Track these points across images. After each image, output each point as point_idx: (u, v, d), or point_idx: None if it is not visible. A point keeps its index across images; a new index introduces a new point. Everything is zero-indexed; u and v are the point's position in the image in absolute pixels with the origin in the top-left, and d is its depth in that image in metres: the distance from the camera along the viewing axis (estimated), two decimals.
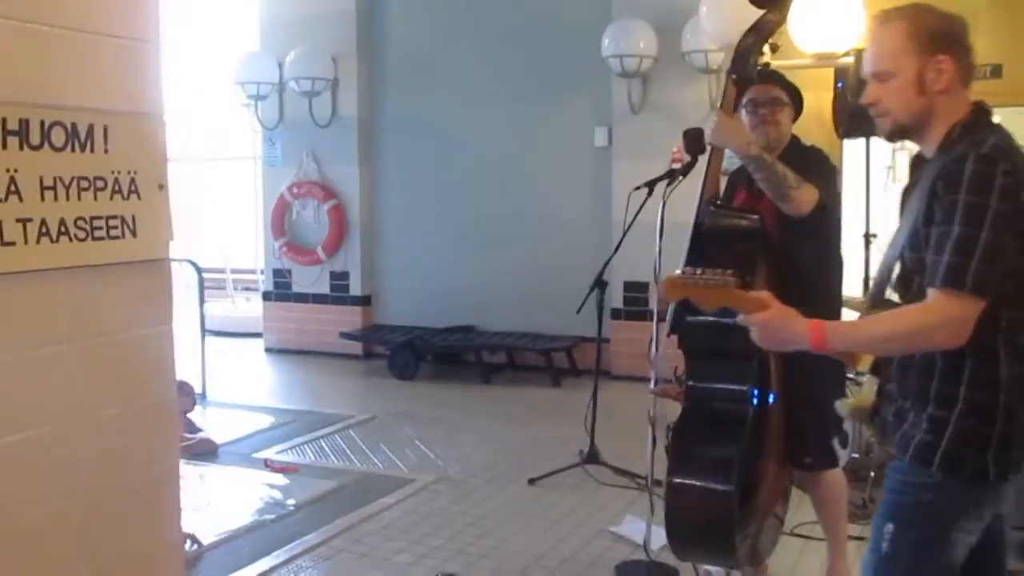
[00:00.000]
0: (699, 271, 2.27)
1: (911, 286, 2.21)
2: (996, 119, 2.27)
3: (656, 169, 4.32)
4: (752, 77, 3.49)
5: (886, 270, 2.29)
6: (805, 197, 3.35)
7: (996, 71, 7.70)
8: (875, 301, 2.31)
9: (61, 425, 2.20)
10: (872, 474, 5.05)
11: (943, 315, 2.04)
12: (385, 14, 9.36)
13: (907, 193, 2.29)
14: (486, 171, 8.93)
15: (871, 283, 2.33)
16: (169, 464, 2.46)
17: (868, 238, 6.95)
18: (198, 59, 12.08)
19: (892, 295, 2.31)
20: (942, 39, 2.19)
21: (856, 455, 5.33)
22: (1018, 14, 7.63)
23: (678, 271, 2.33)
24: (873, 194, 7.00)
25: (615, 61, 7.84)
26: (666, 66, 7.86)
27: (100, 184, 2.23)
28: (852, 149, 7.51)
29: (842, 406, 2.47)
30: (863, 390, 2.39)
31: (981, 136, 2.12)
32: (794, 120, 3.68)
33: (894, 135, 2.28)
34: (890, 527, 2.21)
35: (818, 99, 7.90)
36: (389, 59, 9.37)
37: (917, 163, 2.32)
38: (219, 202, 13.08)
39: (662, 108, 7.94)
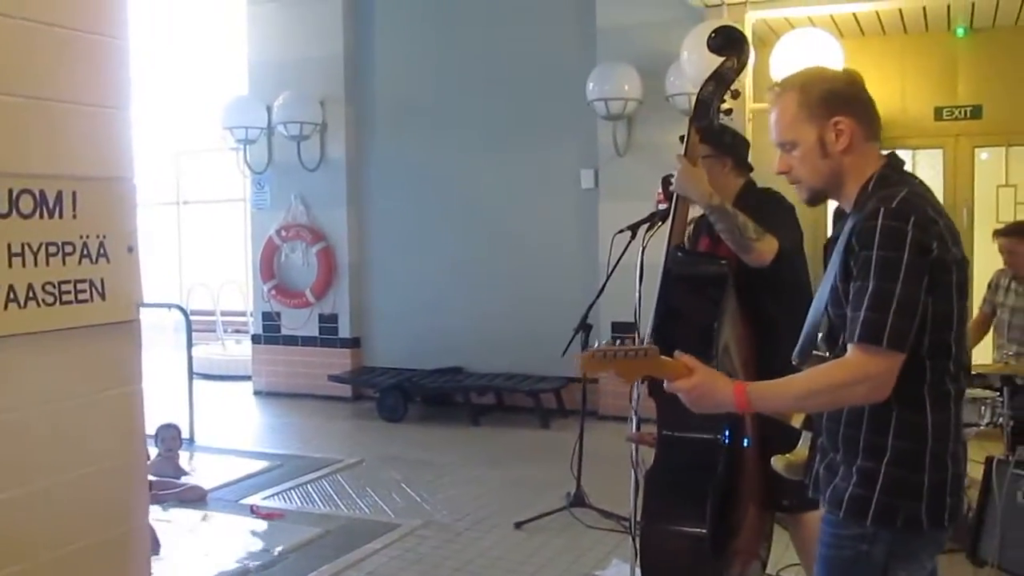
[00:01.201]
0: (618, 343, 2.25)
1: (838, 341, 2.21)
2: (908, 167, 2.31)
3: (642, 210, 4.35)
4: (714, 125, 3.53)
5: (812, 325, 2.30)
6: (766, 248, 3.37)
7: (976, 112, 7.82)
8: (803, 356, 2.31)
9: (31, 487, 2.22)
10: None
11: (861, 371, 2.06)
12: (372, 59, 9.46)
13: (828, 247, 2.31)
14: (474, 213, 8.99)
15: (801, 338, 2.35)
16: (138, 523, 2.47)
17: None
18: (188, 104, 12.21)
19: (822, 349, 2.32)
20: (834, 101, 2.22)
21: None
22: (997, 57, 7.74)
23: (595, 344, 2.31)
24: None
25: (600, 104, 7.93)
26: (650, 108, 7.94)
27: (68, 249, 2.27)
28: None
29: (776, 462, 2.45)
30: (798, 446, 2.40)
31: (892, 190, 2.14)
32: (737, 168, 3.71)
33: (812, 200, 2.33)
34: None
35: None
36: (376, 103, 9.46)
37: (838, 216, 2.35)
38: (209, 245, 13.16)
39: (647, 150, 8.01)
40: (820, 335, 2.28)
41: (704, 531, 3.18)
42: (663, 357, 2.25)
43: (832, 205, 2.40)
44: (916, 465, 2.12)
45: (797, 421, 2.41)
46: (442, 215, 9.13)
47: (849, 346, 2.09)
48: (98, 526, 2.37)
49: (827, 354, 2.25)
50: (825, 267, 2.30)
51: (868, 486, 2.13)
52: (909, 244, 2.04)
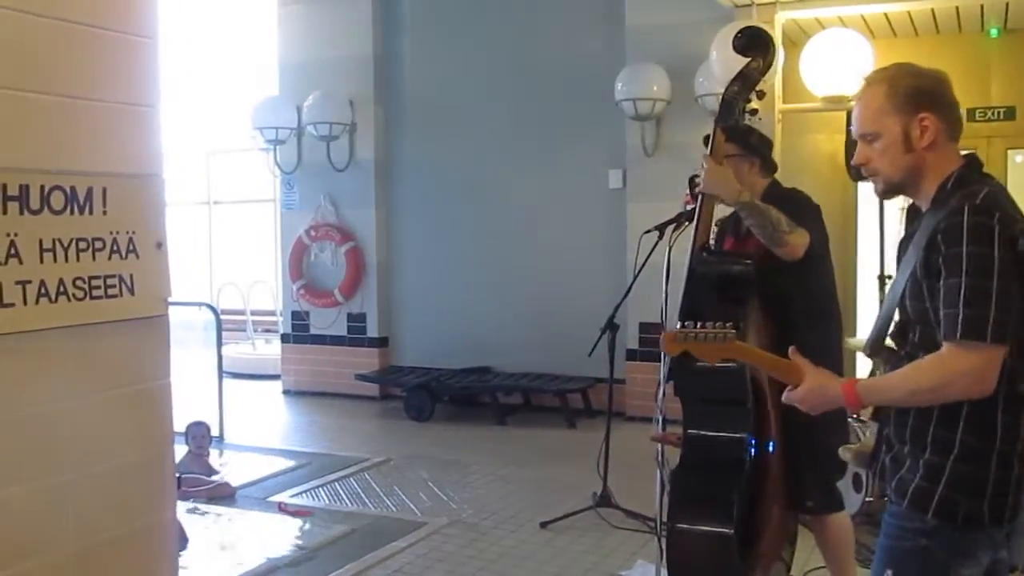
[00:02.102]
0: (699, 325, 2.31)
1: (908, 335, 2.25)
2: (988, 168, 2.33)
3: (670, 210, 4.36)
4: (739, 125, 3.53)
5: (886, 319, 2.33)
6: (799, 241, 3.39)
7: (1010, 113, 7.74)
8: (874, 349, 2.34)
9: (61, 478, 2.25)
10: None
11: (965, 366, 2.08)
12: (402, 59, 9.50)
13: (904, 244, 2.33)
14: (501, 213, 9.00)
15: (872, 331, 2.37)
16: (165, 516, 2.50)
17: (883, 280, 6.95)
18: (218, 104, 12.28)
19: (890, 342, 2.34)
20: (921, 97, 2.25)
21: (871, 499, 5.28)
22: None
23: (678, 325, 2.38)
24: (888, 236, 7.01)
25: (629, 104, 7.92)
26: (679, 109, 7.92)
27: (99, 244, 2.31)
28: (866, 191, 7.54)
29: (844, 451, 2.51)
30: (866, 435, 2.43)
31: (974, 188, 2.17)
32: (764, 169, 3.71)
33: (887, 193, 2.35)
34: (889, 573, 2.24)
35: (831, 142, 7.96)
36: (406, 103, 9.49)
37: (912, 214, 2.37)
38: (239, 244, 13.24)
39: (675, 150, 7.97)
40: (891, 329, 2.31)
41: (730, 531, 3.18)
42: (741, 343, 2.32)
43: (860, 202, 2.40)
44: (983, 463, 2.14)
45: (867, 411, 2.44)
46: (470, 215, 9.15)
47: (946, 343, 2.10)
48: (125, 518, 2.41)
49: (896, 348, 2.29)
50: (898, 264, 2.33)
51: (933, 479, 2.16)
52: (998, 239, 2.07)
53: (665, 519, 3.43)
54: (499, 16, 9.01)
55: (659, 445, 3.91)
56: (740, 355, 2.36)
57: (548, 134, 8.77)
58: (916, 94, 2.25)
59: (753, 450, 3.23)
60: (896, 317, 2.30)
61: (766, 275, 3.42)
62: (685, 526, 3.31)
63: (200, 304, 8.58)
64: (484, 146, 9.05)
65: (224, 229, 13.49)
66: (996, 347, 2.06)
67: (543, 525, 5.46)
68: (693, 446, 3.31)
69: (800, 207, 3.59)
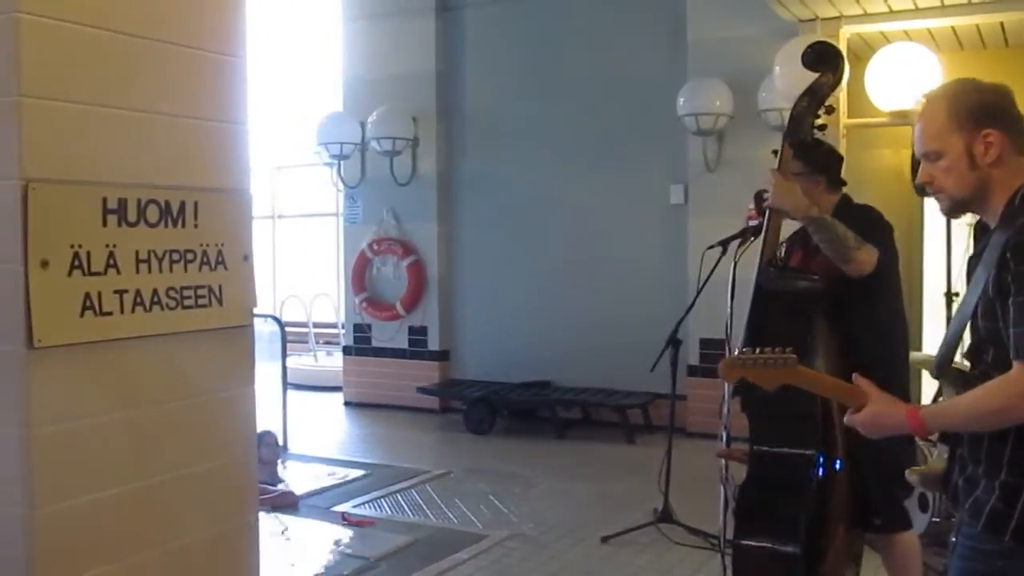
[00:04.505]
0: (758, 350, 2.27)
1: (983, 355, 2.21)
2: None
3: (732, 226, 4.34)
4: (807, 140, 3.52)
5: (953, 340, 2.29)
6: (867, 258, 3.36)
7: None
8: (941, 370, 2.30)
9: (151, 480, 2.34)
10: (954, 539, 4.94)
11: None
12: (463, 75, 9.60)
13: (972, 262, 2.29)
14: (562, 227, 9.04)
15: (939, 351, 2.34)
16: (248, 518, 2.58)
17: (950, 296, 6.85)
18: (284, 120, 12.47)
19: (964, 363, 2.31)
20: (983, 113, 2.21)
21: (937, 519, 5.22)
22: None
23: (736, 351, 2.35)
24: (954, 252, 6.92)
25: (691, 119, 7.92)
26: (741, 124, 7.90)
27: (190, 256, 2.39)
28: (932, 206, 7.44)
29: (911, 474, 2.47)
30: (933, 457, 2.40)
31: None
32: (831, 186, 3.69)
33: (953, 211, 2.32)
34: None
35: (897, 157, 7.88)
36: (467, 119, 9.58)
37: (980, 232, 2.34)
38: (303, 258, 13.41)
39: (737, 166, 7.95)
40: (964, 350, 2.27)
41: (797, 550, 3.17)
42: (803, 368, 2.28)
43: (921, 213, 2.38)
44: None
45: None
46: (531, 229, 9.19)
47: (1015, 363, 2.06)
48: (210, 521, 2.48)
49: (970, 368, 2.25)
50: (968, 283, 2.29)
51: (1010, 501, 2.12)
52: None
53: (730, 535, 3.43)
54: (560, 32, 9.06)
55: (723, 461, 3.91)
56: (801, 380, 2.31)
57: (609, 149, 8.79)
58: (978, 110, 2.21)
59: (821, 469, 3.22)
60: (969, 337, 2.26)
61: (833, 292, 3.41)
62: (751, 543, 3.30)
63: (265, 316, 8.71)
64: (545, 161, 9.09)
65: (288, 242, 13.69)
66: None
67: (604, 540, 5.47)
68: (760, 463, 3.31)
69: (870, 224, 3.57)
